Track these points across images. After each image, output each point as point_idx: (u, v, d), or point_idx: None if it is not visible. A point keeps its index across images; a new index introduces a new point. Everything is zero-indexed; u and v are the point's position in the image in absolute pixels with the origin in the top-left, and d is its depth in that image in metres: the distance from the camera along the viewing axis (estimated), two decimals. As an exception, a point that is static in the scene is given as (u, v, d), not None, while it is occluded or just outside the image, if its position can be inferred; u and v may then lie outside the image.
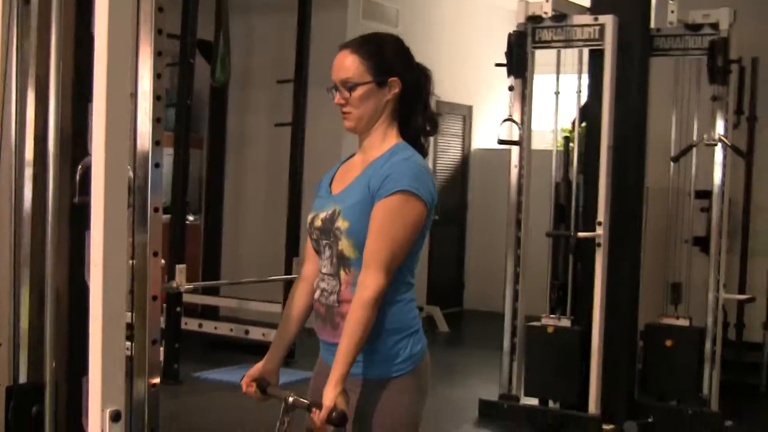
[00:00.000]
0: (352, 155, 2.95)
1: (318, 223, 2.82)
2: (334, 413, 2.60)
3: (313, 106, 8.42)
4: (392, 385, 2.74)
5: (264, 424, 6.48)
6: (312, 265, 2.93)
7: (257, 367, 2.97)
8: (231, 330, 8.36)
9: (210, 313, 9.12)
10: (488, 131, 11.55)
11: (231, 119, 9.96)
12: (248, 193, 10.21)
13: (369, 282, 2.65)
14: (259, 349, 8.31)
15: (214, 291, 9.20)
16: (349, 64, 2.79)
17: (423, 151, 2.85)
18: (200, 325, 8.36)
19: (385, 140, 2.83)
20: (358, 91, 2.78)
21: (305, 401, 2.70)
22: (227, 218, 9.90)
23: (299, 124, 8.25)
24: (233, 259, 9.95)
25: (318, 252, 2.87)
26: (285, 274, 7.96)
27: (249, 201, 10.20)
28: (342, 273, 2.76)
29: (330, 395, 2.62)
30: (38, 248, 2.68)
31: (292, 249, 8.09)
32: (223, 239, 9.88)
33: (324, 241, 2.81)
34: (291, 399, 2.73)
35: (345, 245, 2.74)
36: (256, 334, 8.20)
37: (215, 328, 8.40)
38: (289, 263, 8.00)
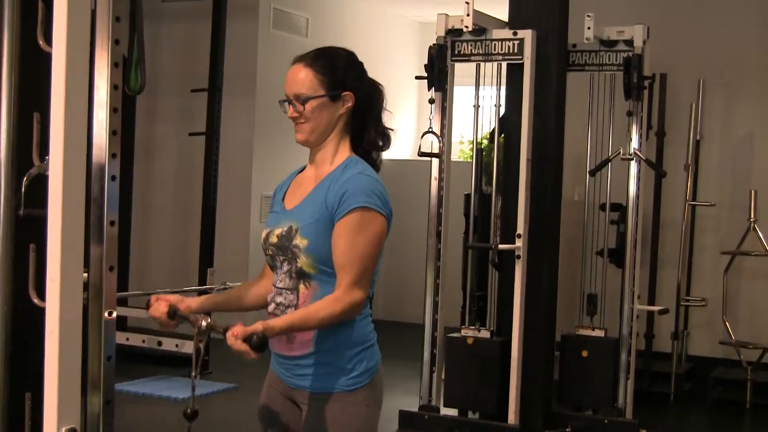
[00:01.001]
0: (303, 168, 2.94)
1: (273, 239, 2.81)
2: (255, 336, 2.49)
3: (225, 116, 8.38)
4: (349, 398, 2.75)
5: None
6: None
7: (176, 296, 2.85)
8: (143, 341, 8.25)
9: (117, 323, 8.96)
10: (397, 142, 11.60)
11: (139, 128, 9.82)
12: (157, 202, 10.09)
13: (345, 292, 2.65)
14: (172, 360, 8.28)
15: (121, 301, 9.05)
16: (302, 78, 2.80)
17: (375, 166, 2.87)
18: (111, 337, 8.22)
19: (337, 154, 2.83)
20: (311, 104, 2.79)
21: (222, 326, 2.56)
22: (135, 228, 9.75)
23: (213, 133, 8.20)
24: (141, 269, 9.82)
25: (273, 267, 2.86)
26: (199, 285, 7.89)
27: (158, 211, 10.08)
28: (302, 287, 2.75)
29: (258, 326, 2.53)
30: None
31: (207, 260, 8.04)
32: (131, 249, 9.73)
33: (281, 257, 2.80)
34: (205, 323, 2.59)
35: (304, 262, 2.73)
36: (169, 345, 8.11)
37: (127, 339, 8.28)
38: (204, 274, 7.93)
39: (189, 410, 2.67)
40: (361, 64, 2.91)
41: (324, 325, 2.65)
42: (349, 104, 2.83)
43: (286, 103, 2.84)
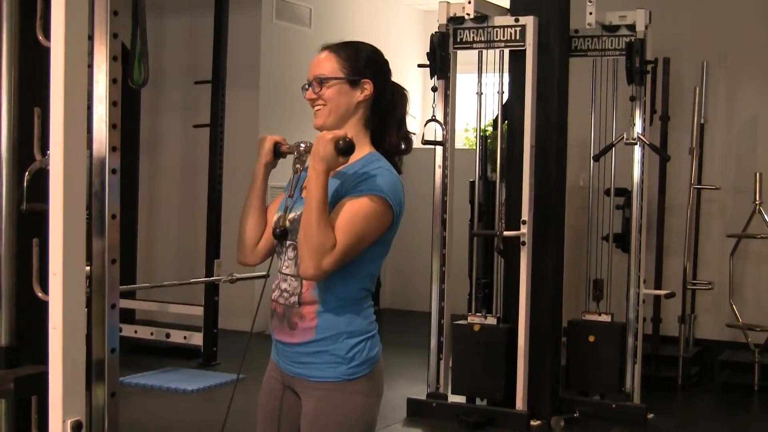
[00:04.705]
0: None
1: (285, 223, 2.82)
2: (341, 141, 2.66)
3: (229, 107, 8.39)
4: (348, 387, 2.75)
5: (198, 425, 6.46)
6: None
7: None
8: (151, 333, 8.28)
9: (125, 316, 8.99)
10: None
11: (143, 121, 9.81)
12: (163, 195, 10.10)
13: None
14: (180, 353, 8.30)
15: (129, 294, 9.06)
16: (324, 61, 2.87)
17: (397, 169, 2.87)
18: (119, 330, 8.24)
19: (357, 146, 2.83)
20: (329, 85, 2.84)
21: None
22: (142, 221, 9.76)
23: (218, 125, 8.21)
24: (148, 261, 9.84)
25: (278, 252, 2.87)
26: (206, 276, 7.91)
27: (164, 203, 10.10)
28: None
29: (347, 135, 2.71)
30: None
31: (213, 251, 8.05)
32: (138, 242, 9.75)
33: (289, 242, 2.81)
34: (303, 146, 2.83)
35: None
36: (177, 337, 8.15)
37: (135, 331, 8.31)
38: (210, 265, 7.94)
39: (278, 230, 2.82)
40: (386, 62, 2.95)
41: (311, 224, 2.63)
42: (368, 92, 2.84)
43: (307, 86, 2.87)
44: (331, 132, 2.69)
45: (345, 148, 2.66)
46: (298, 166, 2.82)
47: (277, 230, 2.81)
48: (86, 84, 2.26)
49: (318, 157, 2.66)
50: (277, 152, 2.93)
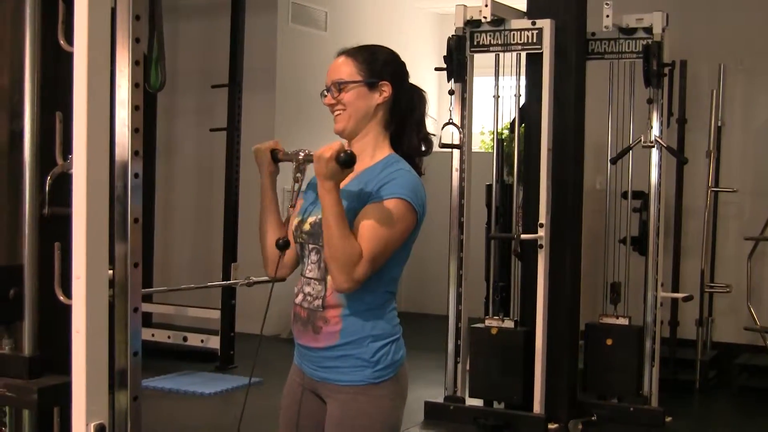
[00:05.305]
0: None
1: (306, 227, 2.82)
2: (341, 154, 2.63)
3: (245, 110, 8.40)
4: (374, 391, 2.75)
5: (215, 428, 6.48)
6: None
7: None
8: (169, 337, 8.30)
9: (142, 319, 8.99)
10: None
11: (160, 125, 9.83)
12: (179, 198, 10.12)
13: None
14: (198, 356, 8.30)
15: (146, 297, 9.08)
16: (342, 66, 2.87)
17: (418, 171, 2.87)
18: (137, 333, 8.26)
19: (376, 149, 2.84)
20: (348, 89, 2.84)
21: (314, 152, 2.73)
22: (158, 224, 9.78)
23: (234, 128, 8.23)
24: (165, 265, 9.85)
25: (301, 256, 2.87)
26: (223, 280, 7.92)
27: (180, 207, 10.11)
28: (330, 278, 2.75)
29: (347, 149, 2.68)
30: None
31: (230, 255, 8.06)
32: (155, 246, 9.76)
33: (311, 246, 2.81)
34: (302, 155, 2.79)
35: None
36: (194, 340, 8.17)
37: (152, 335, 8.32)
38: (227, 269, 7.95)
39: (281, 240, 2.81)
40: (403, 64, 2.94)
41: (333, 240, 2.64)
42: (386, 94, 2.84)
43: (326, 92, 2.87)
44: (328, 149, 2.64)
45: (346, 160, 2.63)
46: (298, 175, 2.80)
47: (280, 241, 2.80)
48: (109, 88, 2.26)
49: (322, 177, 2.65)
50: (275, 158, 2.92)
